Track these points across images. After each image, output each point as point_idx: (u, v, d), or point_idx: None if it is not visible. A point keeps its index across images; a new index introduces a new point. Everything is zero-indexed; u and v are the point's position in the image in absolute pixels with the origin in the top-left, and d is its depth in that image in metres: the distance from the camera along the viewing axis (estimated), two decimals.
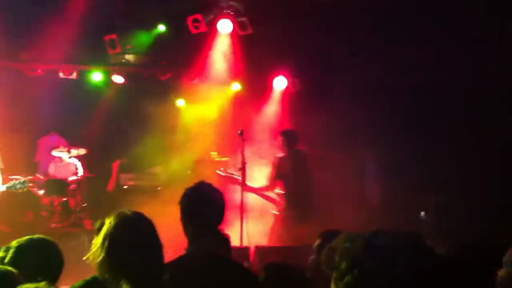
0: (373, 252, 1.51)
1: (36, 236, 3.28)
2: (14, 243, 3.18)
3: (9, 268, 2.80)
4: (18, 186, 6.52)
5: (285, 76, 9.36)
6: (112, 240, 2.56)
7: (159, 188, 8.65)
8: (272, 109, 9.30)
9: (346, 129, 8.30)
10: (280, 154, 7.50)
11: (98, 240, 2.60)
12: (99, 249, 2.56)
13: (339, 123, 8.15)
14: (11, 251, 3.15)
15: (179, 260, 3.18)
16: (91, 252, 2.61)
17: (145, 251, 2.60)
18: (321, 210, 7.23)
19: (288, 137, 7.49)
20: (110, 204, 8.05)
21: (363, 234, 1.56)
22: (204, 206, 3.28)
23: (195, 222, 3.25)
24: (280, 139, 7.50)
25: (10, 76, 9.14)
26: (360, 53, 8.56)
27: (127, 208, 2.75)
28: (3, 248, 3.29)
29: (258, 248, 6.40)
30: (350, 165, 8.25)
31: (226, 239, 3.34)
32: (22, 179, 6.54)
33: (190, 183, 3.35)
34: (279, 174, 7.43)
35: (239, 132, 7.04)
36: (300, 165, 7.41)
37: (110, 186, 8.73)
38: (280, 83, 9.41)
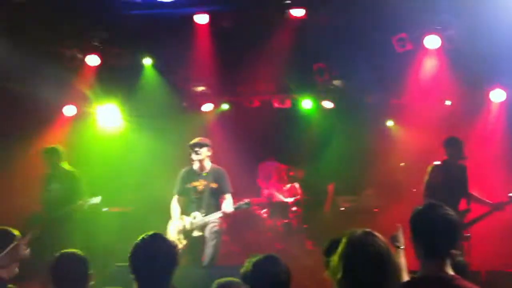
0: None
1: (269, 254, 3.57)
2: (252, 259, 3.51)
3: None
4: (243, 207, 7.09)
5: (502, 88, 8.76)
6: (348, 258, 2.65)
7: (375, 209, 8.66)
8: (490, 123, 8.76)
9: None
10: (438, 162, 7.15)
11: (335, 259, 2.71)
12: (337, 268, 2.67)
13: None
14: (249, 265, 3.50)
15: (412, 283, 3.15)
16: (330, 269, 2.73)
17: (380, 271, 2.64)
18: None
19: (451, 146, 7.11)
20: (327, 225, 8.27)
21: None
22: (436, 227, 3.20)
23: (426, 242, 3.19)
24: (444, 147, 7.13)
25: (231, 109, 10.10)
26: None
27: (359, 228, 2.83)
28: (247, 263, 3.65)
29: (488, 273, 6.03)
30: None
31: (462, 263, 3.23)
32: (247, 200, 7.09)
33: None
34: (431, 183, 7.06)
35: None
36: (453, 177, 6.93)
37: (326, 208, 8.98)
38: (497, 95, 8.82)
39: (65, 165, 7.80)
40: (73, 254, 3.66)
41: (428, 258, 3.12)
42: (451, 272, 3.08)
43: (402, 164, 9.18)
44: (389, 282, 2.62)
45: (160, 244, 3.35)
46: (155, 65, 9.52)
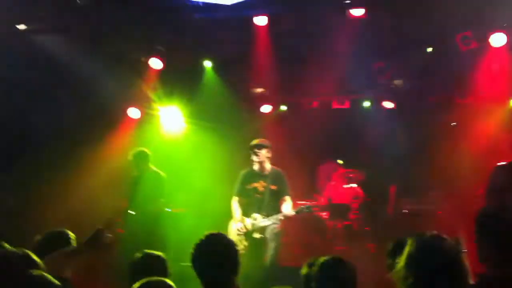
0: None
1: (335, 255, 3.57)
2: (321, 259, 3.51)
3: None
4: (305, 211, 7.08)
5: None
6: (413, 260, 2.62)
7: (439, 212, 8.46)
8: None
9: None
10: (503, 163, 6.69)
11: (401, 262, 2.68)
12: (404, 272, 2.64)
13: None
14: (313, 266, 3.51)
15: (485, 284, 3.09)
16: (394, 272, 2.71)
17: (447, 272, 2.59)
18: None
19: None
20: (389, 228, 8.15)
21: None
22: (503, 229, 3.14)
23: (495, 243, 3.13)
24: None
25: (290, 110, 10.12)
26: None
27: (425, 231, 2.79)
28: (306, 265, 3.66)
29: None
30: None
31: None
32: (308, 204, 7.10)
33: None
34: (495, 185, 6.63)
35: None
36: None
37: (389, 210, 8.85)
38: None
39: (152, 167, 8.19)
40: (154, 254, 3.76)
41: (498, 259, 3.06)
42: None
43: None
44: (461, 286, 2.58)
45: (222, 243, 3.41)
46: (214, 67, 9.67)
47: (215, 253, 3.38)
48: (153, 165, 8.15)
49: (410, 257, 2.64)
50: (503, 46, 8.47)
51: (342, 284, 3.39)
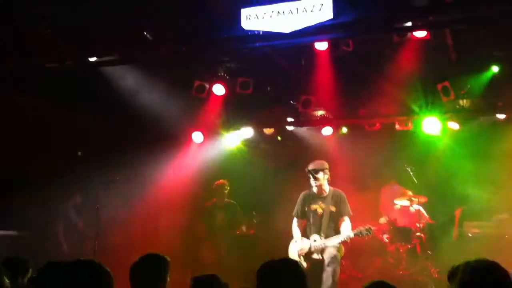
0: None
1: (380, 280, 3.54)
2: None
3: None
4: (364, 233, 7.05)
5: None
6: (464, 286, 2.63)
7: (506, 236, 8.16)
8: None
9: None
10: None
11: (454, 285, 2.70)
12: None
13: None
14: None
15: None
16: None
17: None
18: None
19: None
20: (454, 252, 7.94)
21: None
22: None
23: None
24: None
25: (351, 132, 10.13)
26: None
27: (478, 257, 2.79)
28: None
29: None
30: None
31: None
32: (368, 226, 7.06)
33: None
34: None
35: None
36: None
37: (455, 234, 8.62)
38: None
39: (228, 197, 9.06)
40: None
41: None
42: None
43: None
44: None
45: (289, 268, 3.38)
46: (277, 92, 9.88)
47: (280, 277, 3.31)
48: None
49: (461, 282, 2.66)
50: None
51: None
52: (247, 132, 10.31)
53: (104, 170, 8.25)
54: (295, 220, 7.53)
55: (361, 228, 7.06)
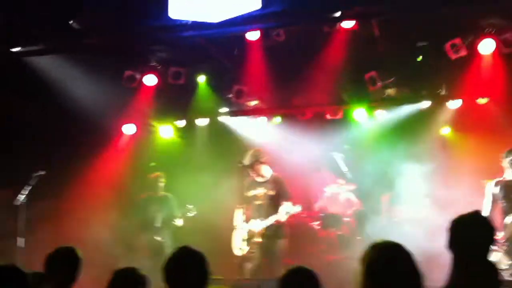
0: None
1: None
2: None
3: None
4: (293, 210, 7.29)
5: None
6: (373, 270, 2.76)
7: (429, 220, 8.51)
8: None
9: None
10: (499, 179, 6.71)
11: (361, 270, 2.82)
12: (363, 278, 2.79)
13: None
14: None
15: None
16: (356, 276, 2.85)
17: (403, 280, 2.72)
18: None
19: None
20: (383, 237, 8.16)
21: None
22: (474, 233, 3.23)
23: (461, 250, 3.22)
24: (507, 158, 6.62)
25: (284, 121, 10.27)
26: None
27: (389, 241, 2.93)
28: None
29: None
30: None
31: (495, 271, 3.22)
32: (297, 206, 7.28)
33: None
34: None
35: None
36: None
37: (383, 219, 8.91)
38: None
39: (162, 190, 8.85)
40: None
41: (463, 266, 3.17)
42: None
43: None
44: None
45: (190, 257, 3.46)
46: (208, 82, 9.83)
47: (183, 267, 3.41)
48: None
49: (368, 263, 2.78)
50: (491, 51, 8.56)
51: None
52: (180, 123, 10.24)
53: (29, 164, 8.00)
54: (238, 207, 7.72)
55: (288, 209, 7.25)
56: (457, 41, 8.72)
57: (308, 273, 3.49)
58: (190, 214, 8.51)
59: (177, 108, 10.10)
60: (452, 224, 3.28)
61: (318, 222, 8.98)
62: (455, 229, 3.29)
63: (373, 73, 9.32)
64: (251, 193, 7.61)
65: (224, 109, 10.22)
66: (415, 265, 2.77)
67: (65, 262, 4.09)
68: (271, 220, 7.33)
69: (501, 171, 6.74)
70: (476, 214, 3.43)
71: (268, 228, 7.36)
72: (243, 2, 6.84)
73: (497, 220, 6.43)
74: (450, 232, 3.28)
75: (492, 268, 3.21)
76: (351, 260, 8.20)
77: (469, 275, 3.13)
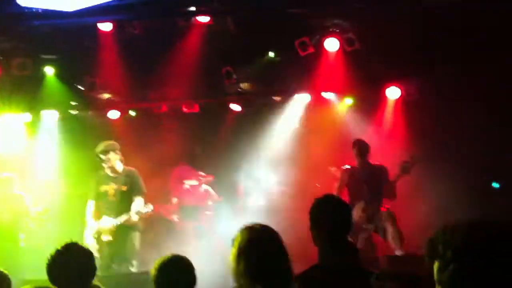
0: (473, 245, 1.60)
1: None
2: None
3: None
4: (144, 210, 7.13)
5: (398, 85, 9.34)
6: (243, 250, 2.91)
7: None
8: (387, 120, 9.37)
9: None
10: (348, 166, 7.67)
11: (233, 251, 2.96)
12: (235, 259, 2.92)
13: None
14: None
15: (310, 271, 3.42)
16: (230, 261, 2.99)
17: (272, 260, 2.90)
18: None
19: (360, 147, 7.66)
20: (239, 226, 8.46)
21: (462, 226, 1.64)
22: (333, 216, 3.48)
23: (324, 232, 3.46)
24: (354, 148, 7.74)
25: (140, 115, 10.13)
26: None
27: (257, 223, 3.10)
28: None
29: (387, 257, 6.49)
30: None
31: (355, 249, 3.52)
32: (149, 206, 7.19)
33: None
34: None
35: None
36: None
37: (239, 208, 9.21)
38: (393, 93, 9.40)
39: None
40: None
41: (327, 247, 3.44)
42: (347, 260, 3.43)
43: None
44: (280, 270, 2.91)
45: (76, 254, 3.41)
46: (58, 74, 9.35)
47: (68, 264, 3.36)
48: None
49: (238, 246, 2.91)
50: (336, 49, 9.20)
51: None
52: (25, 116, 9.63)
53: None
54: (89, 202, 7.36)
55: (140, 209, 7.12)
56: (305, 39, 9.24)
57: (186, 261, 3.57)
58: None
59: (22, 101, 9.46)
60: (313, 208, 3.51)
61: (176, 216, 9.02)
62: (316, 212, 3.51)
63: (229, 68, 9.54)
64: (103, 188, 7.33)
65: (74, 103, 9.81)
66: (281, 246, 2.95)
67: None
68: (121, 219, 7.11)
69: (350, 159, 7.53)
70: (332, 197, 3.74)
71: (119, 226, 7.14)
72: None
73: None
74: (312, 215, 3.50)
75: (352, 245, 3.52)
76: (210, 251, 8.41)
77: (334, 252, 3.38)
